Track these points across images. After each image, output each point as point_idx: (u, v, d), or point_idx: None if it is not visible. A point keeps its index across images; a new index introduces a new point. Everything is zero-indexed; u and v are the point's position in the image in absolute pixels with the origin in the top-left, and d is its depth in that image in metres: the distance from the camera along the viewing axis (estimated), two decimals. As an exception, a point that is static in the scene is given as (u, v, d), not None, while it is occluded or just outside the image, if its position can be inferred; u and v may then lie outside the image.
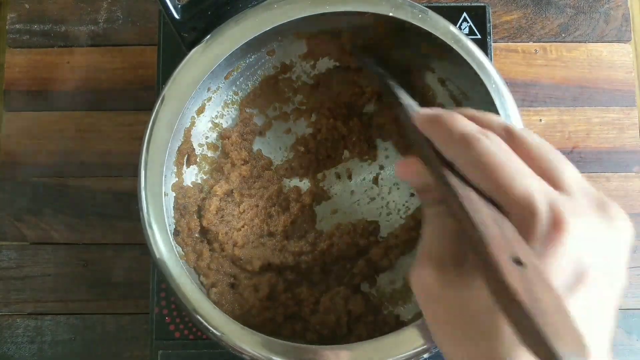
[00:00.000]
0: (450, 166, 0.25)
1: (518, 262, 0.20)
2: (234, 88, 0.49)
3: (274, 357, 0.38)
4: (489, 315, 0.22)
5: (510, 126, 0.25)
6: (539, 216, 0.21)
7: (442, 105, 0.49)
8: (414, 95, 0.43)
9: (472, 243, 0.22)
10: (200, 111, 0.47)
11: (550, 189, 0.23)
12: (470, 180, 0.24)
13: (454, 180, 0.24)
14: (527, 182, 0.22)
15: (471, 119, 0.27)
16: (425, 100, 0.50)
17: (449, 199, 0.24)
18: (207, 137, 0.49)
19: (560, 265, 0.21)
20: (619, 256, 0.23)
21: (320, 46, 0.49)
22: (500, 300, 0.20)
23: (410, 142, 0.29)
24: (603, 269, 0.22)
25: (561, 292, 0.20)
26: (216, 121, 0.49)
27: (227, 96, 0.49)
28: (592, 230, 0.22)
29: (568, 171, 0.24)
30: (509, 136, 0.25)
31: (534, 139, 0.25)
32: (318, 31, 0.47)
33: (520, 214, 0.22)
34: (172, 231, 0.42)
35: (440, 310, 0.24)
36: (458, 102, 0.48)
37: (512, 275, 0.19)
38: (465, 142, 0.24)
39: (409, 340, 0.38)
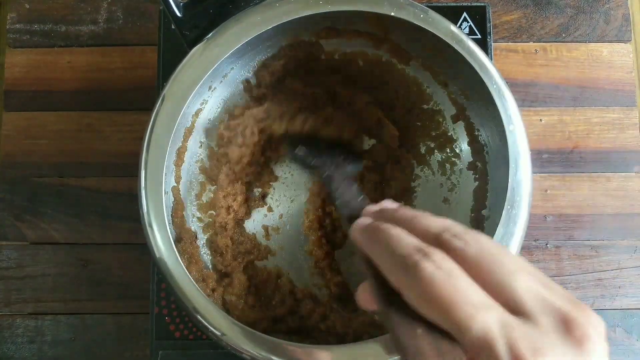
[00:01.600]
0: (396, 295, 0.22)
1: None
2: (235, 87, 0.49)
3: (273, 357, 0.38)
4: None
5: (446, 235, 0.23)
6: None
7: (441, 112, 0.49)
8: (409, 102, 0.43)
9: None
10: (201, 110, 0.47)
11: (507, 315, 0.20)
12: (421, 314, 0.22)
13: (399, 321, 0.22)
14: (482, 318, 0.20)
15: (406, 224, 0.24)
16: (422, 100, 0.50)
17: (395, 346, 0.22)
18: (207, 137, 0.49)
19: None
20: None
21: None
22: None
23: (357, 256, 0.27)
24: None
25: None
26: (217, 121, 0.49)
27: (228, 95, 0.49)
28: None
29: (518, 283, 0.21)
30: (445, 246, 0.22)
31: (474, 247, 0.22)
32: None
33: (476, 352, 0.20)
34: (175, 238, 0.43)
35: None
36: (459, 104, 0.48)
37: None
38: (406, 266, 0.22)
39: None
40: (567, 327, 0.20)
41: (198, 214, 0.48)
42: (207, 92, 0.46)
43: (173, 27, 0.42)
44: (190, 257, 0.44)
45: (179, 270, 0.40)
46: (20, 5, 0.59)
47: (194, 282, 0.40)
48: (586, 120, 0.57)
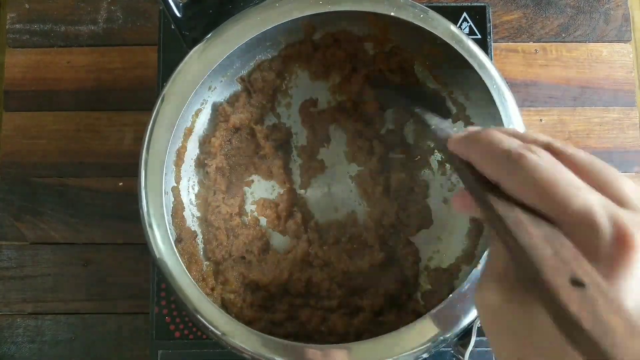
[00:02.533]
0: (495, 188, 0.24)
1: (578, 283, 0.18)
2: (235, 87, 0.49)
3: (274, 357, 0.38)
4: (556, 341, 0.20)
5: (554, 141, 0.24)
6: (602, 232, 0.19)
7: (452, 114, 0.49)
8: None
9: (526, 269, 0.20)
10: (201, 110, 0.47)
11: (611, 203, 0.21)
12: (520, 199, 0.22)
13: (498, 204, 0.23)
14: (584, 196, 0.20)
15: (511, 136, 0.25)
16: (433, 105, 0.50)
17: (496, 224, 0.23)
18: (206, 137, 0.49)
19: (631, 287, 0.19)
20: None
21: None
22: (564, 329, 0.18)
23: (454, 169, 0.29)
24: None
25: (635, 315, 0.18)
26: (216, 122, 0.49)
27: (228, 95, 0.49)
28: None
29: (627, 185, 0.21)
30: (556, 151, 0.23)
31: (584, 154, 0.23)
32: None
33: (580, 231, 0.20)
34: (175, 238, 0.42)
35: (504, 331, 0.23)
36: (459, 104, 0.48)
37: (571, 299, 0.17)
38: (510, 158, 0.23)
39: (409, 340, 0.38)
40: None
41: (198, 214, 0.48)
42: (207, 92, 0.46)
43: (173, 27, 0.42)
44: (190, 257, 0.44)
45: (179, 270, 0.40)
46: (20, 5, 0.59)
47: (194, 282, 0.40)
48: (586, 120, 0.57)
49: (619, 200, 0.21)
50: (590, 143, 0.57)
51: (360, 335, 0.43)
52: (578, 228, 0.20)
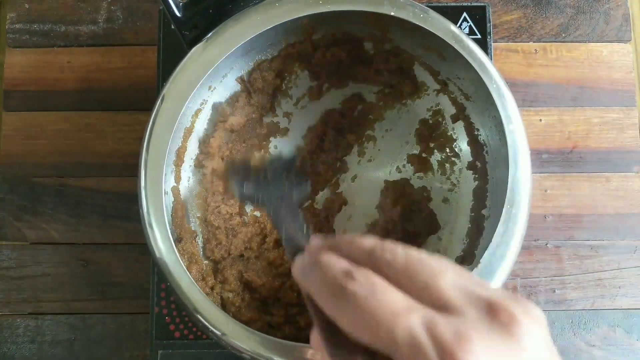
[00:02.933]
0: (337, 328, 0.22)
1: None
2: (235, 87, 0.49)
3: (274, 357, 0.38)
4: None
5: (373, 249, 0.23)
6: (429, 355, 0.19)
7: (441, 112, 0.49)
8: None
9: None
10: (200, 110, 0.47)
11: (431, 313, 0.20)
12: (357, 339, 0.21)
13: (341, 351, 0.22)
14: (404, 322, 0.20)
15: (344, 248, 0.24)
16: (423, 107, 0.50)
17: None
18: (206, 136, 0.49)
19: None
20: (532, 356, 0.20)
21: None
22: None
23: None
24: None
25: None
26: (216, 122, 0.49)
27: (228, 95, 0.49)
28: (488, 346, 0.19)
29: (444, 280, 0.21)
30: (375, 261, 0.23)
31: (401, 256, 0.22)
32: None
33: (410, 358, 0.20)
34: (175, 238, 0.42)
35: None
36: (459, 104, 0.48)
37: None
38: (335, 292, 0.22)
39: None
40: (492, 313, 0.20)
41: (198, 214, 0.48)
42: (206, 92, 0.46)
43: (173, 27, 0.42)
44: (190, 257, 0.44)
45: (179, 270, 0.40)
46: (20, 5, 0.59)
47: (194, 282, 0.40)
48: (586, 120, 0.57)
49: (439, 304, 0.21)
50: (590, 143, 0.57)
51: None
52: (412, 358, 0.20)
